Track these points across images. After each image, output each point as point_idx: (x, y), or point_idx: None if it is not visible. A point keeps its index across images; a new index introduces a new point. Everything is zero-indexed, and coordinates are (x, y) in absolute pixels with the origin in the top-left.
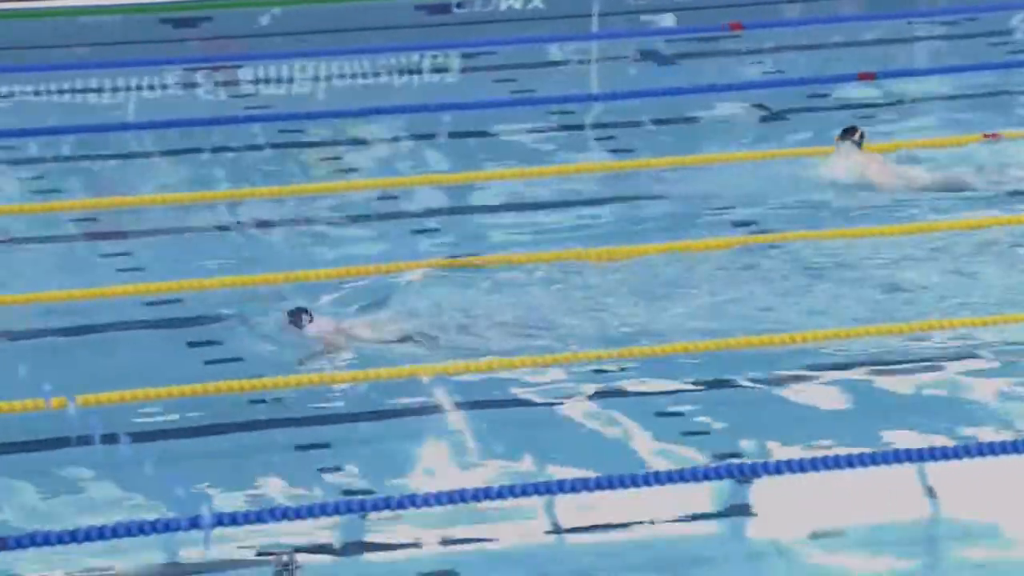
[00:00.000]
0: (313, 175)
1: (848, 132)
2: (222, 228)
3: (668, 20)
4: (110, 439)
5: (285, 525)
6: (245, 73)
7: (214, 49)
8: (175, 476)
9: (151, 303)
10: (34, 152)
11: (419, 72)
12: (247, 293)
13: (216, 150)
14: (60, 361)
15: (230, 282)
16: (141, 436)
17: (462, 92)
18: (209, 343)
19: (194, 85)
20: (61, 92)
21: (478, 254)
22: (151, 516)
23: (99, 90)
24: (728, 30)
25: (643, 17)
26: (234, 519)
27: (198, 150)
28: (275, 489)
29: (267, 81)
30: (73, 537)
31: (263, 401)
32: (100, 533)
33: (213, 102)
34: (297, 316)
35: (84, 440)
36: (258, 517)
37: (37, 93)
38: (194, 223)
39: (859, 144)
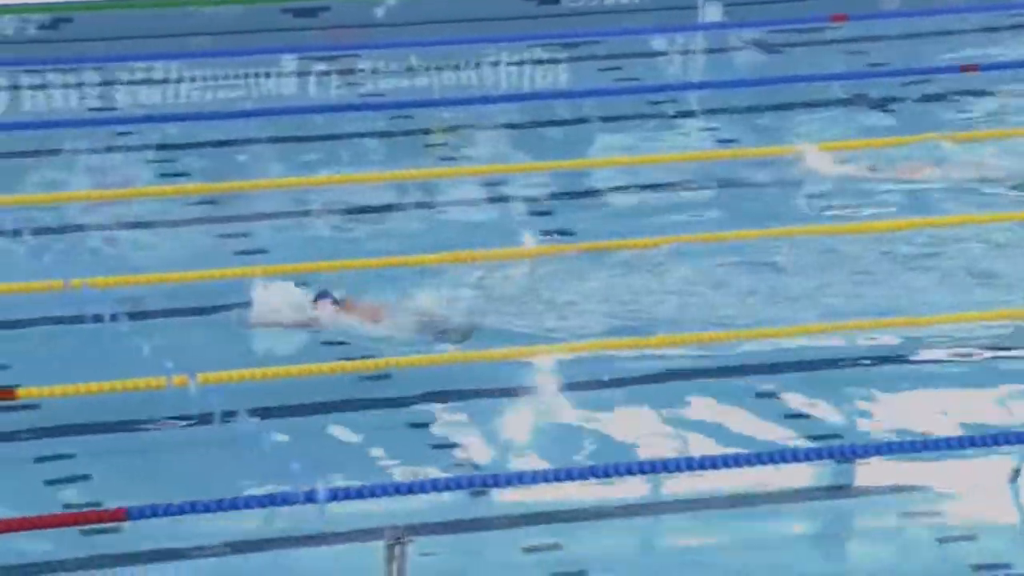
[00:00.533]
0: (431, 152)
1: None
2: (337, 212)
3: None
4: (230, 415)
5: (398, 500)
6: (361, 62)
7: (332, 38)
8: (292, 451)
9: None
10: (160, 138)
11: (528, 63)
12: (362, 275)
13: (331, 137)
14: (182, 340)
15: (345, 265)
16: (259, 412)
17: (571, 81)
18: None
19: (311, 73)
20: (185, 80)
21: (589, 239)
22: (268, 490)
23: (223, 78)
24: (831, 21)
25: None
26: (347, 494)
27: (314, 137)
28: (389, 465)
29: (382, 71)
30: (193, 508)
31: (377, 379)
32: (219, 505)
33: (328, 90)
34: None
35: (205, 417)
36: (371, 492)
37: (165, 81)
38: (311, 207)
39: None
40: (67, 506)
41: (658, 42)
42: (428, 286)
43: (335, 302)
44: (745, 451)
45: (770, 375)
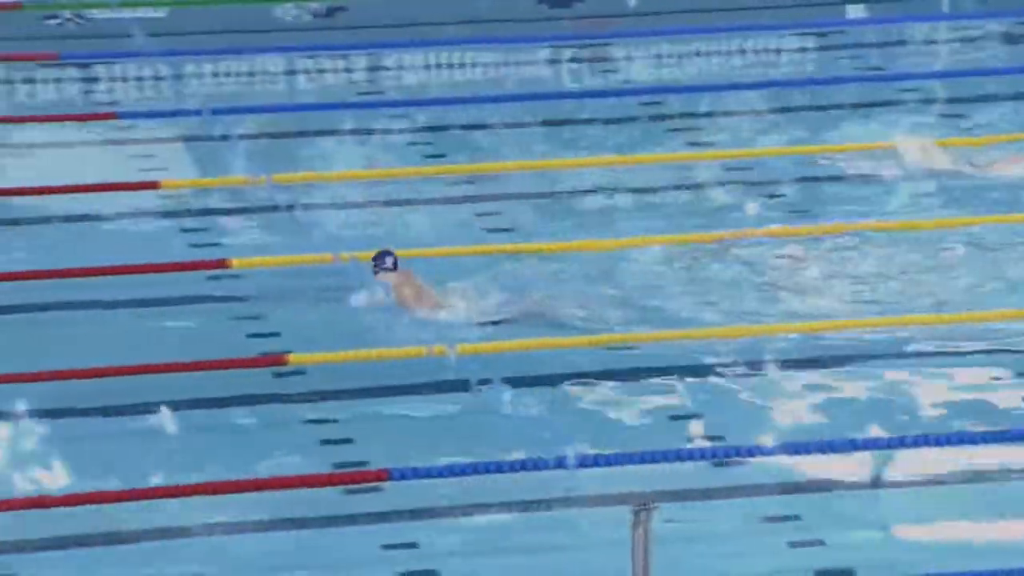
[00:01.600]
0: (677, 137)
1: None
2: (581, 192)
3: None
4: (484, 383)
5: (643, 468)
6: (612, 51)
7: (584, 28)
8: (542, 418)
9: (518, 260)
10: (422, 120)
11: (774, 51)
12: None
13: (579, 122)
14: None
15: (581, 247)
16: (511, 381)
17: (816, 70)
18: None
19: (562, 61)
20: (444, 66)
21: (835, 220)
22: (517, 455)
23: (480, 64)
24: None
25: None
26: (596, 461)
27: (564, 122)
28: (629, 434)
29: (632, 58)
30: (451, 471)
31: (621, 349)
32: (474, 468)
33: (579, 77)
34: (380, 258)
35: (462, 384)
36: (617, 460)
37: (427, 67)
38: (559, 188)
39: None
40: (336, 465)
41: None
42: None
43: (395, 264)
44: None
45: None
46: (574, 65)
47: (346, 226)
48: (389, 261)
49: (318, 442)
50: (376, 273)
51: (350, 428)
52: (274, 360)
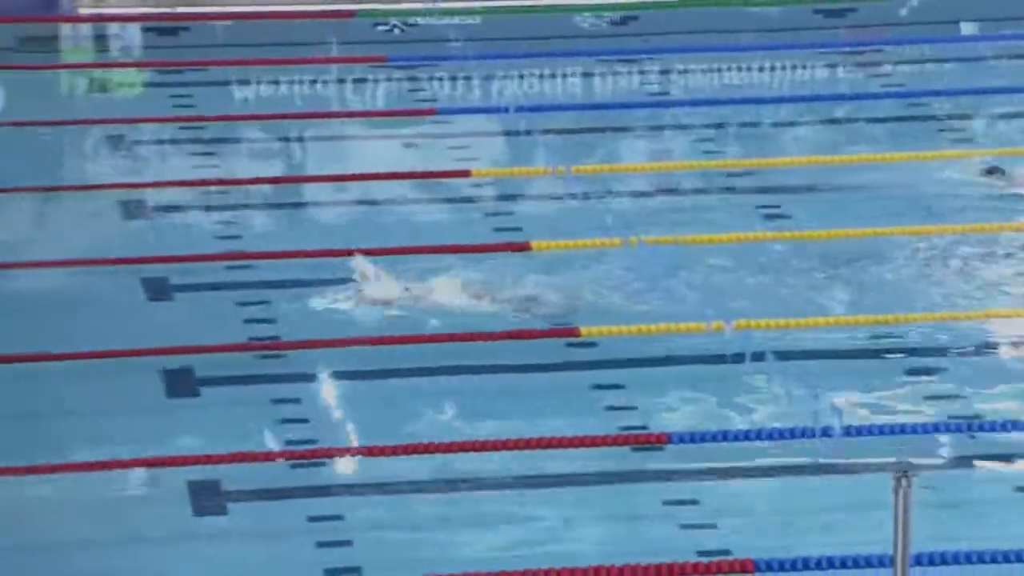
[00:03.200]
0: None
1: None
2: (851, 187)
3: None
4: (758, 357)
5: (901, 438)
6: (884, 57)
7: (858, 35)
8: (812, 387)
9: (793, 246)
10: (704, 119)
11: None
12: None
13: (852, 121)
14: (722, 291)
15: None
16: (782, 355)
17: None
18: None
19: (837, 66)
20: (728, 70)
21: None
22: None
23: (762, 68)
24: None
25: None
26: (859, 431)
27: (838, 121)
28: (894, 407)
29: (904, 62)
30: (724, 436)
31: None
32: (745, 436)
33: (852, 81)
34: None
35: (736, 358)
36: (880, 431)
37: (710, 71)
38: (838, 182)
39: None
40: (622, 428)
41: None
42: None
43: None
44: None
45: None
46: (847, 70)
47: (636, 213)
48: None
49: (608, 407)
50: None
51: (633, 395)
52: (568, 331)
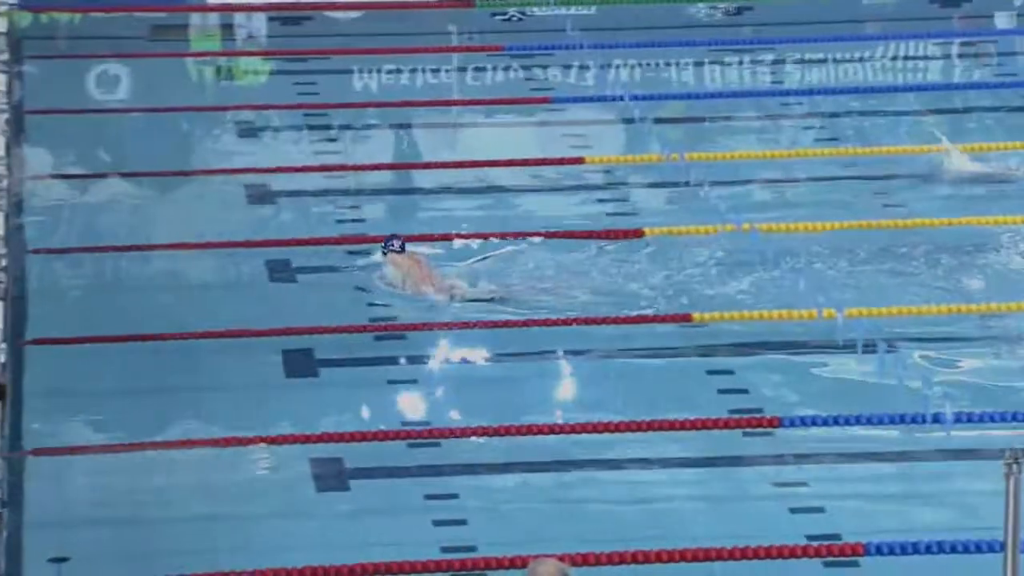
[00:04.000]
0: None
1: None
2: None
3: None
4: (869, 346)
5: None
6: (994, 46)
7: (970, 25)
8: (922, 374)
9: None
10: (816, 108)
11: None
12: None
13: (965, 110)
14: (833, 278)
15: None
16: (897, 342)
17: None
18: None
19: (951, 56)
20: (842, 61)
21: None
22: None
23: (877, 58)
24: None
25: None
26: (970, 418)
27: (952, 111)
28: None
29: (1014, 53)
30: (845, 420)
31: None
32: (858, 420)
33: (965, 70)
34: (388, 241)
35: (848, 345)
36: (991, 418)
37: (823, 61)
38: (940, 168)
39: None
40: (731, 412)
41: None
42: None
43: (402, 247)
44: None
45: None
46: (961, 59)
47: (746, 198)
48: (397, 244)
49: (720, 390)
50: (384, 254)
51: (745, 378)
52: (681, 317)
